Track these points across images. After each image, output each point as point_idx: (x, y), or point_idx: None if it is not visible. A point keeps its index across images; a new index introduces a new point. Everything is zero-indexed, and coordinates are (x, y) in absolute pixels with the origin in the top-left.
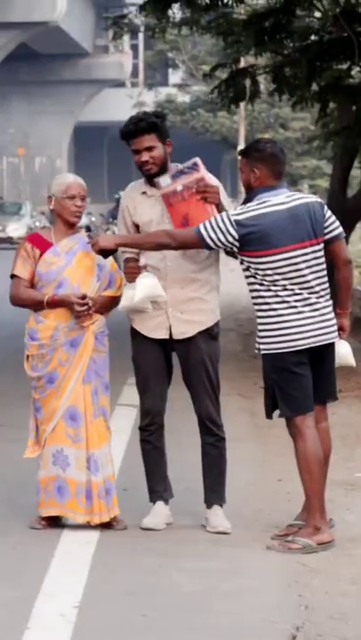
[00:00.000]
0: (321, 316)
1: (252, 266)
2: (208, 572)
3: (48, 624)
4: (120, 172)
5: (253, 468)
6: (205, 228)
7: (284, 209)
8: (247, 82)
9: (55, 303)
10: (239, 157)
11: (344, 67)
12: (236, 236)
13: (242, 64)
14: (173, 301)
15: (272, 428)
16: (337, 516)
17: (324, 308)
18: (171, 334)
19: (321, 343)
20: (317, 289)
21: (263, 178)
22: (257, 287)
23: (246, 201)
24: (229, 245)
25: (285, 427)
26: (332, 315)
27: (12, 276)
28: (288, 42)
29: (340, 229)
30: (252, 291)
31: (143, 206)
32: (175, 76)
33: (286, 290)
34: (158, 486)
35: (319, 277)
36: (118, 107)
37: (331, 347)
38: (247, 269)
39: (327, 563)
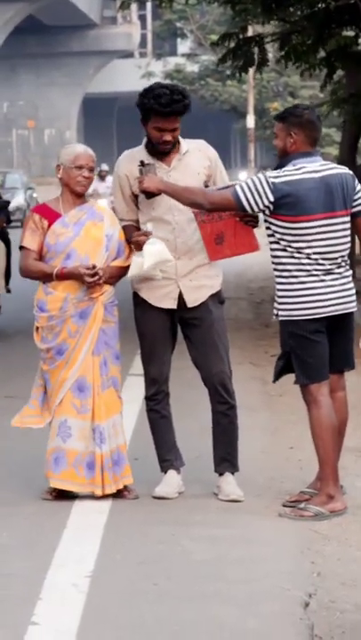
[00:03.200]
0: (341, 285)
1: (281, 231)
2: (220, 539)
3: (60, 594)
4: (130, 142)
5: (265, 435)
6: (243, 190)
7: (318, 177)
8: (255, 50)
9: (64, 276)
10: (275, 122)
11: (351, 34)
12: (272, 199)
13: (249, 33)
14: (183, 271)
15: (284, 395)
16: (348, 483)
17: (344, 277)
18: (180, 303)
19: (340, 312)
20: (339, 259)
21: (299, 143)
22: (280, 253)
23: (279, 166)
24: (263, 208)
25: (297, 395)
26: (352, 285)
27: (21, 248)
28: (295, 9)
29: None
30: (274, 257)
31: None
32: (184, 46)
33: (310, 258)
34: (168, 455)
35: (343, 248)
36: (127, 77)
37: (349, 316)
38: (273, 235)
39: (339, 529)
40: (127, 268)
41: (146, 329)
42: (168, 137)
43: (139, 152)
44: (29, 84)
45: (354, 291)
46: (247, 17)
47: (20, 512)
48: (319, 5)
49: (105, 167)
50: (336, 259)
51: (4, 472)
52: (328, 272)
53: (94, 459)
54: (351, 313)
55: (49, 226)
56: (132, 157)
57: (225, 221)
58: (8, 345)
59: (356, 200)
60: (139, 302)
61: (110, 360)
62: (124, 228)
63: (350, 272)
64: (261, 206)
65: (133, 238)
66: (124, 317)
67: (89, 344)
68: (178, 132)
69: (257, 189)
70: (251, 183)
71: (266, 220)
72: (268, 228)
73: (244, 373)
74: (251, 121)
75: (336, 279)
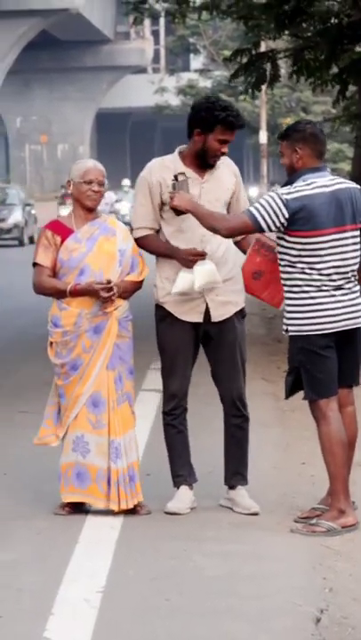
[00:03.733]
0: (350, 300)
1: (294, 246)
2: (232, 555)
3: (72, 609)
4: (143, 157)
5: (277, 451)
6: (258, 211)
7: (329, 192)
8: (267, 66)
9: (78, 292)
10: (280, 142)
11: None
12: (287, 216)
13: (262, 48)
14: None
15: (296, 411)
16: (360, 498)
17: (353, 292)
18: (205, 318)
19: (350, 327)
20: (350, 274)
21: (306, 158)
22: (290, 269)
23: (287, 183)
24: (280, 226)
25: (308, 410)
26: (360, 299)
27: (34, 265)
28: (308, 25)
29: None
30: (284, 272)
31: None
32: (196, 62)
33: (321, 273)
34: (182, 470)
35: (353, 262)
36: (140, 93)
37: (357, 331)
38: (284, 252)
39: (351, 545)
40: (141, 282)
41: (168, 343)
42: (226, 149)
43: (172, 161)
44: (42, 98)
45: None
46: (260, 32)
47: (32, 526)
48: (332, 21)
49: (126, 182)
50: (346, 273)
51: (17, 486)
52: (338, 287)
53: (111, 474)
54: (359, 328)
55: (62, 242)
56: (165, 166)
57: (272, 265)
58: (21, 360)
59: None
60: (163, 316)
61: (125, 375)
62: (149, 239)
63: (359, 287)
64: (278, 224)
65: (184, 255)
66: (136, 332)
67: (103, 359)
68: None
69: (272, 208)
70: (265, 203)
71: (279, 237)
72: (279, 245)
73: (257, 389)
74: (263, 136)
75: (346, 294)
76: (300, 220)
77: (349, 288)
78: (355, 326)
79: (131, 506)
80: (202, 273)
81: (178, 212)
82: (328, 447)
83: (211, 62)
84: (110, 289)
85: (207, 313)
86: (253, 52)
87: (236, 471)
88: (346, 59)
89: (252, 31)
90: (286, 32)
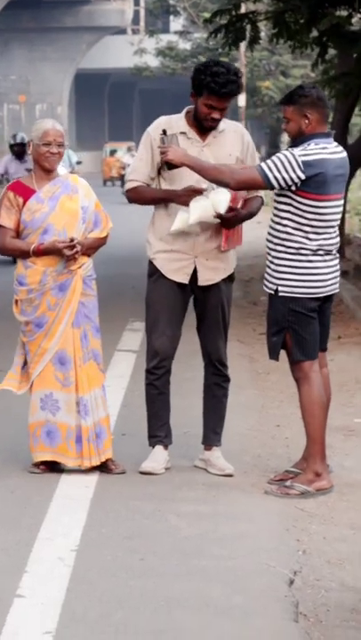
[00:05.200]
0: (335, 266)
1: (303, 208)
2: (206, 516)
3: (46, 568)
4: (121, 118)
5: (252, 413)
6: (270, 168)
7: (338, 158)
8: (247, 27)
9: (41, 252)
10: (284, 106)
11: (344, 13)
12: (303, 177)
13: (242, 10)
14: (202, 248)
15: (271, 373)
16: (336, 462)
17: (337, 258)
18: (193, 279)
19: (333, 292)
20: (337, 239)
21: (315, 123)
22: (293, 231)
23: (293, 146)
24: (291, 184)
25: (284, 373)
26: (338, 265)
27: None
28: None
29: None
30: (283, 232)
31: (181, 146)
32: (176, 23)
33: (322, 237)
34: (159, 431)
35: (337, 229)
36: (119, 54)
37: (333, 297)
38: (289, 211)
39: (325, 508)
40: (105, 238)
41: (153, 299)
42: (217, 115)
43: (178, 120)
44: (22, 58)
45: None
46: None
47: (5, 485)
48: None
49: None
50: (335, 238)
51: None
52: (328, 252)
53: (81, 431)
54: (334, 294)
55: (24, 203)
56: (171, 124)
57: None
58: None
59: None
60: (152, 272)
61: (91, 333)
62: (141, 189)
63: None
64: (290, 182)
65: (183, 192)
66: (112, 293)
67: (68, 316)
68: (226, 111)
69: (284, 166)
70: (278, 161)
71: (285, 196)
72: (283, 204)
73: (232, 351)
74: (242, 99)
75: (333, 259)
76: (314, 182)
77: (335, 254)
78: (336, 291)
79: (98, 463)
80: (196, 208)
81: (170, 165)
82: (309, 408)
83: (191, 24)
84: (73, 247)
85: (195, 275)
86: (234, 14)
87: (213, 430)
88: (326, 22)
89: None
90: None
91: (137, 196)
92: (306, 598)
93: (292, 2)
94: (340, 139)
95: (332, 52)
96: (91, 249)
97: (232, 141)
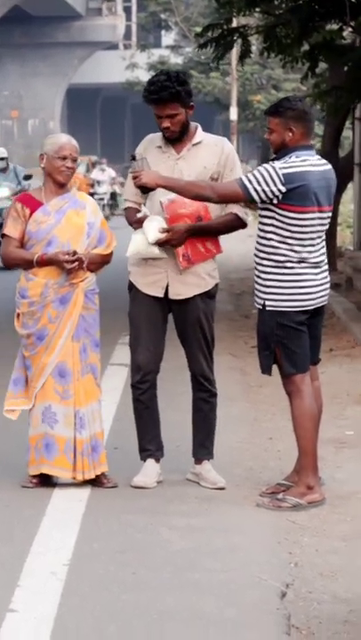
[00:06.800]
0: (323, 278)
1: (286, 221)
2: (198, 529)
3: (39, 582)
4: (113, 133)
5: (244, 426)
6: (250, 181)
7: (319, 171)
8: (238, 41)
9: (44, 262)
10: (269, 118)
11: (335, 27)
12: (284, 190)
13: (234, 24)
14: (173, 263)
15: (263, 386)
16: (327, 474)
17: (325, 270)
18: (166, 293)
19: (321, 304)
20: (323, 251)
21: (299, 136)
22: (278, 244)
23: (275, 159)
24: (272, 197)
25: (276, 385)
26: (328, 277)
27: (3, 236)
28: (279, 2)
29: None
30: (268, 246)
31: (156, 160)
32: (168, 38)
33: (308, 250)
34: (150, 445)
35: (324, 241)
36: (111, 69)
37: (323, 308)
38: (272, 224)
39: (317, 520)
40: (109, 256)
41: (133, 313)
42: (166, 123)
43: (158, 137)
44: (14, 73)
45: (329, 284)
46: (232, 9)
47: None
48: None
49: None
50: (321, 250)
51: None
52: (316, 265)
53: (75, 444)
54: (324, 305)
55: (31, 214)
56: (151, 141)
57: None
58: None
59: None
60: (130, 285)
61: (90, 347)
62: (127, 210)
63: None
64: (270, 195)
65: (134, 221)
66: (106, 306)
67: (69, 329)
68: (179, 119)
69: (265, 179)
70: (258, 174)
71: (268, 210)
72: (266, 217)
73: (224, 364)
74: (234, 113)
75: (322, 272)
76: (297, 195)
77: (322, 267)
78: (324, 303)
79: (93, 476)
80: (152, 228)
81: (145, 189)
82: (300, 421)
83: (182, 39)
84: (76, 260)
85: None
86: (225, 28)
87: (202, 444)
88: (317, 36)
89: (224, 8)
90: (257, 9)
91: (125, 217)
92: (298, 611)
93: (283, 16)
94: (332, 152)
95: (322, 65)
96: (93, 264)
97: (208, 154)
